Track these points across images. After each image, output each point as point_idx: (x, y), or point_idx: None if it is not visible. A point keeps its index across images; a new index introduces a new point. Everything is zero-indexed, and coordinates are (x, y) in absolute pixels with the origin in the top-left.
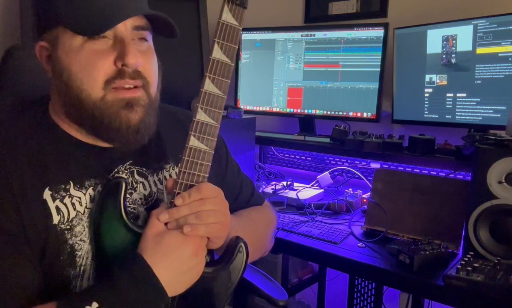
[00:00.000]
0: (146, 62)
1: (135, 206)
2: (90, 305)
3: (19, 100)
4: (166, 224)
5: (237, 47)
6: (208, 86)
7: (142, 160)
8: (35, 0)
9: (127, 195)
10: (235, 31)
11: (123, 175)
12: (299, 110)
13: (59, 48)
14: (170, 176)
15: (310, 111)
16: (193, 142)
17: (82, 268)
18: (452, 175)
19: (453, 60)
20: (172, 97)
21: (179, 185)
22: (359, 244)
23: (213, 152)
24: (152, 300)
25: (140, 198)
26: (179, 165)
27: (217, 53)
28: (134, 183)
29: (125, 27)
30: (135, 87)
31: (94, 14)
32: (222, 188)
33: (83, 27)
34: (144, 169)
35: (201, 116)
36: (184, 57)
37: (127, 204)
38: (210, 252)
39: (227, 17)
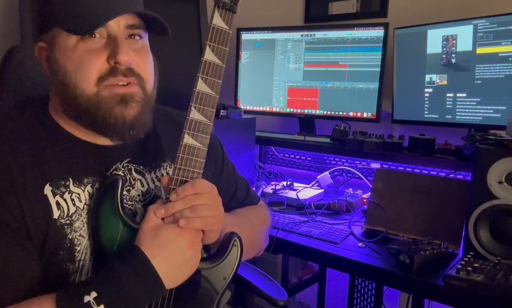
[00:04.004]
0: (140, 59)
1: (133, 203)
2: (89, 295)
3: (19, 100)
4: (162, 219)
5: (227, 49)
6: (201, 86)
7: (140, 158)
8: (34, 3)
9: (125, 192)
10: (226, 34)
11: (121, 173)
12: (299, 110)
13: (56, 48)
14: (167, 173)
15: (310, 111)
16: (187, 139)
17: (81, 263)
18: (452, 175)
19: (453, 60)
20: (173, 96)
21: (174, 181)
22: (359, 244)
23: (206, 149)
24: (150, 291)
25: (138, 195)
26: (174, 162)
27: (208, 55)
28: (132, 180)
29: (118, 25)
30: (129, 83)
31: (86, 14)
32: (218, 187)
33: (76, 27)
34: (141, 167)
35: (194, 114)
36: (184, 57)
37: (125, 201)
38: (206, 248)
39: (218, 21)
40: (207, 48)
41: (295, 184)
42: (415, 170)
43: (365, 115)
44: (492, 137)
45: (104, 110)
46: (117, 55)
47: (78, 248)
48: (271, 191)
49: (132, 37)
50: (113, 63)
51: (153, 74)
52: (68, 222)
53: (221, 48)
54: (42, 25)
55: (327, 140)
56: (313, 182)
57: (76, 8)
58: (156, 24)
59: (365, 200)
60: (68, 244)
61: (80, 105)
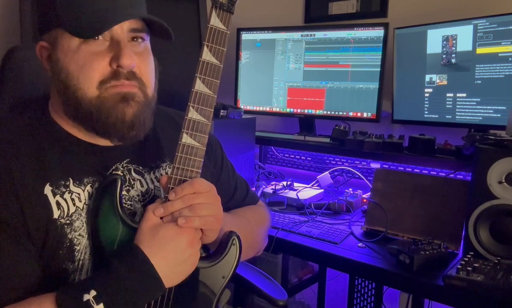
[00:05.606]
0: (142, 63)
1: (132, 203)
2: (88, 293)
3: (19, 100)
4: (161, 218)
5: (225, 49)
6: (199, 86)
7: (139, 158)
8: (36, 2)
9: (125, 192)
10: (223, 34)
11: (120, 173)
12: (299, 110)
13: (58, 49)
14: (167, 173)
15: (310, 111)
16: (185, 139)
17: (80, 262)
18: (452, 175)
19: (453, 60)
20: (173, 97)
21: (173, 181)
22: (359, 244)
23: (205, 148)
24: (149, 289)
25: (138, 195)
26: (173, 161)
27: (206, 55)
28: (131, 181)
29: (122, 29)
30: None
31: (90, 17)
32: (217, 187)
33: (80, 30)
34: (141, 167)
35: (192, 114)
36: (184, 57)
37: (124, 201)
38: (205, 248)
39: (215, 22)
40: (205, 48)
41: (295, 184)
42: (415, 170)
43: (365, 115)
44: (492, 137)
45: (106, 111)
46: (120, 59)
47: (77, 248)
48: (271, 191)
49: (135, 40)
50: (116, 66)
51: (154, 77)
52: (68, 222)
53: (218, 49)
54: (44, 24)
55: (327, 140)
56: (313, 182)
57: (80, 10)
58: (159, 28)
59: (365, 200)
60: (68, 244)
61: (81, 107)
